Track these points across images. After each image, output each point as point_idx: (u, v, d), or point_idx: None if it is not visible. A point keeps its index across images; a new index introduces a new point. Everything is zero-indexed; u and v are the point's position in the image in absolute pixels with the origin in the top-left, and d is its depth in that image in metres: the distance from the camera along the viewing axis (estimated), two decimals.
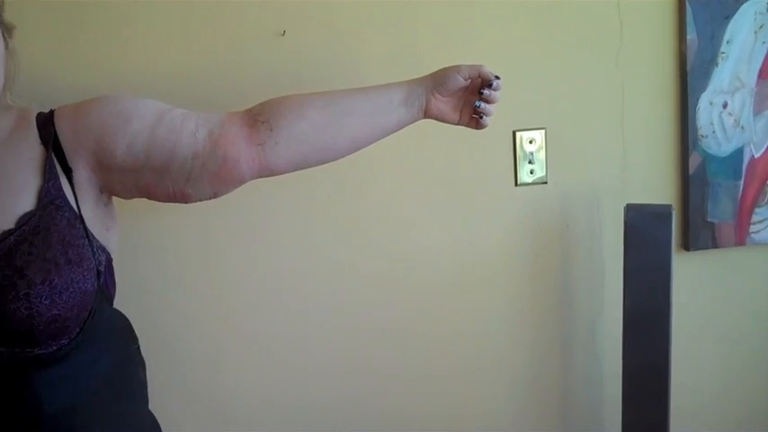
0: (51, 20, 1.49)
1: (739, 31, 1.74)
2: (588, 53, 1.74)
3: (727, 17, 1.73)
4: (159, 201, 1.28)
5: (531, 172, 1.73)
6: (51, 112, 1.25)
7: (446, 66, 1.35)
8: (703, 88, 1.75)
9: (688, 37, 1.72)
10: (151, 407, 1.37)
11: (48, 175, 1.18)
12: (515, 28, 1.69)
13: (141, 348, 1.36)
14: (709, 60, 1.74)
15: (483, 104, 1.34)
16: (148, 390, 1.37)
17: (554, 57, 1.72)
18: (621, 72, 1.75)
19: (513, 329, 1.81)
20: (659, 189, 1.81)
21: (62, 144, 1.21)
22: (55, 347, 1.13)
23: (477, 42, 1.67)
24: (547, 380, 1.86)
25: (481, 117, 1.36)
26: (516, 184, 1.74)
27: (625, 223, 1.66)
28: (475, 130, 1.39)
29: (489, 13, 1.67)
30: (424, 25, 1.64)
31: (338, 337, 1.73)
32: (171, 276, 1.63)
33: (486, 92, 1.33)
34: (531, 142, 1.72)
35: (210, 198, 1.28)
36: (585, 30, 1.73)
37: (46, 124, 1.23)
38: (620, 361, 1.70)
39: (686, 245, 1.83)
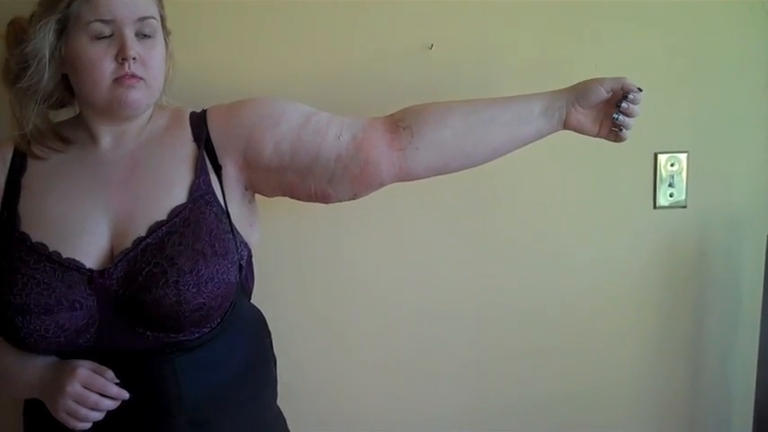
0: (205, 26, 1.56)
1: None
2: (736, 76, 1.68)
3: None
4: (301, 200, 1.32)
5: (671, 195, 1.68)
6: (204, 112, 1.31)
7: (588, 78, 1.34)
8: None
9: None
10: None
11: (199, 172, 1.24)
12: (662, 48, 1.65)
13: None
14: None
15: (621, 117, 1.31)
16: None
17: (701, 79, 1.67)
18: None
19: (641, 355, 1.76)
20: None
21: (213, 142, 1.27)
22: (197, 335, 1.19)
23: (622, 61, 1.63)
24: (673, 409, 1.79)
25: (620, 130, 1.33)
26: (654, 207, 1.69)
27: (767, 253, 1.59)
28: (615, 147, 1.36)
29: (635, 33, 1.64)
30: (568, 41, 1.63)
31: (467, 347, 1.72)
32: (303, 275, 1.67)
33: (623, 104, 1.30)
34: (672, 165, 1.67)
35: (350, 199, 1.31)
36: (733, 52, 1.67)
37: (199, 123, 1.29)
38: (753, 398, 1.63)
39: None
